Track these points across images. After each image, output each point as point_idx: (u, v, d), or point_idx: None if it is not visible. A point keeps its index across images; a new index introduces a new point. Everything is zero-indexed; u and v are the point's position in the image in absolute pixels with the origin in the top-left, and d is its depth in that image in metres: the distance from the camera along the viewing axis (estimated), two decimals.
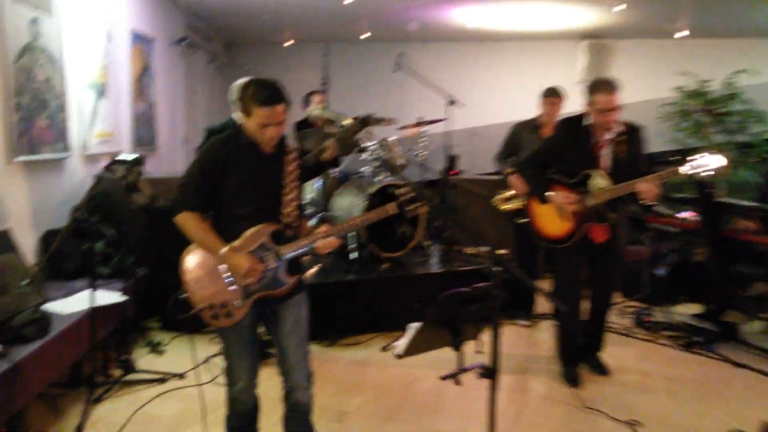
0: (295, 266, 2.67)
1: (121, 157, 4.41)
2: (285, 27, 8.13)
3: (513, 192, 5.10)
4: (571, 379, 4.07)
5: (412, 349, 2.44)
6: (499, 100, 8.91)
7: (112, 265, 4.41)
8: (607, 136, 3.76)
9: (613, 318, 5.35)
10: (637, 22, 7.69)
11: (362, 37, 8.10)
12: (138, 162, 4.91)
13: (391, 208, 2.69)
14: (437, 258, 5.27)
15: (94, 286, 3.47)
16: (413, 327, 2.38)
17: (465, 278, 5.32)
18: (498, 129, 8.71)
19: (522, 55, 8.87)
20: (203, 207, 2.58)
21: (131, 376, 3.78)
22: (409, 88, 7.63)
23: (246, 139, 2.59)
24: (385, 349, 4.55)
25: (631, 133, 3.78)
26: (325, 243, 2.60)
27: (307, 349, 2.75)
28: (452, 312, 2.01)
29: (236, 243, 2.56)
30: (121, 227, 4.56)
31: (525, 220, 4.27)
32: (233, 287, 2.55)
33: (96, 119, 5.27)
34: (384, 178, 5.49)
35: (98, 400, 3.52)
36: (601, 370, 4.22)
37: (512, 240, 5.44)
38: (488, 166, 7.37)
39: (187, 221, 2.53)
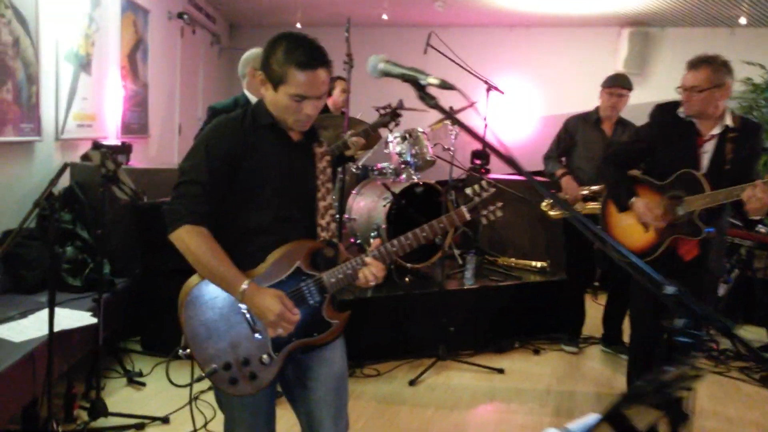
0: (341, 299, 1.96)
1: (100, 143, 3.60)
2: (296, 7, 7.36)
3: (564, 195, 4.31)
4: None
5: None
6: (531, 93, 8.08)
7: (85, 276, 3.63)
8: (715, 130, 2.98)
9: None
10: (687, 8, 6.91)
11: (383, 17, 7.34)
12: (121, 150, 4.13)
13: (461, 214, 1.92)
14: (470, 271, 4.50)
15: (52, 305, 2.68)
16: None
17: (505, 295, 4.54)
18: (530, 124, 8.08)
19: (556, 44, 8.04)
20: (213, 218, 1.80)
21: (100, 422, 2.99)
22: (439, 74, 6.82)
23: (266, 119, 1.84)
24: (413, 383, 3.77)
25: (745, 131, 3.00)
26: (376, 267, 1.85)
27: (346, 419, 1.99)
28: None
29: (259, 270, 1.80)
30: (97, 228, 3.77)
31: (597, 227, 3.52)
32: (258, 336, 1.79)
33: (75, 97, 4.48)
34: (411, 176, 4.72)
35: None
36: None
37: (563, 250, 4.66)
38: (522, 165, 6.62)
39: (191, 240, 1.73)
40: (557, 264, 5.09)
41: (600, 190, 4.17)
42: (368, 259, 1.84)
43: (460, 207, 1.93)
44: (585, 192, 4.23)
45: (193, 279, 1.81)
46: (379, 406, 3.46)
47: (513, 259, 5.15)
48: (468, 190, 1.94)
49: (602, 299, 5.04)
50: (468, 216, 1.91)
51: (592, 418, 1.18)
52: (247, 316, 1.77)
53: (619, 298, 4.42)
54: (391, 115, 4.03)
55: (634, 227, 3.23)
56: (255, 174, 1.81)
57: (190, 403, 1.94)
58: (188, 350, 1.79)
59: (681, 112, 3.07)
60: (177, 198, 1.77)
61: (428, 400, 3.58)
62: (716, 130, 2.99)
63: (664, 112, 3.18)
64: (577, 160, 4.39)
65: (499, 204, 1.95)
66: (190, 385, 1.82)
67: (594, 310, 4.77)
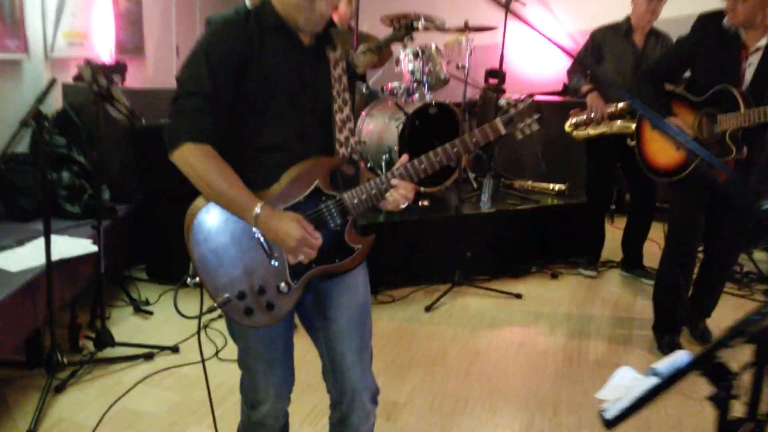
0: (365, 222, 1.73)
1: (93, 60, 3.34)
2: None
3: (590, 114, 4.03)
4: (670, 347, 3.24)
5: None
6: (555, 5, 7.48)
7: (83, 202, 3.45)
8: (762, 42, 2.72)
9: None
10: None
11: None
12: (115, 69, 3.86)
13: (496, 128, 1.70)
14: (487, 194, 4.30)
15: (48, 232, 2.51)
16: (628, 376, 1.36)
17: (522, 219, 4.37)
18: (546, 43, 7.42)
19: None
20: (218, 134, 1.58)
21: (107, 352, 2.88)
22: None
23: (273, 19, 1.60)
24: (429, 309, 3.65)
25: None
26: (405, 187, 1.65)
27: (370, 351, 1.84)
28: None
29: (274, 191, 1.60)
30: (95, 151, 3.56)
31: (632, 143, 3.33)
32: (275, 263, 1.61)
33: (64, 13, 4.16)
34: (424, 96, 4.45)
35: (61, 388, 2.63)
36: (704, 337, 3.39)
37: (585, 172, 4.43)
38: (536, 87, 6.29)
39: (194, 160, 1.52)
40: (575, 187, 4.89)
41: (628, 107, 3.92)
42: (395, 180, 1.64)
43: (494, 120, 1.70)
44: (612, 109, 3.96)
45: (200, 201, 1.60)
46: (395, 332, 3.35)
47: (530, 182, 4.94)
48: (502, 101, 1.71)
49: (619, 223, 4.85)
50: (503, 130, 1.69)
51: (680, 357, 1.01)
52: (262, 241, 1.59)
53: (641, 220, 4.25)
54: (406, 28, 3.71)
55: (666, 146, 3.06)
56: (264, 82, 1.58)
57: (198, 334, 1.79)
58: (197, 278, 1.61)
59: (726, 22, 2.81)
60: (176, 113, 1.54)
61: (445, 326, 3.46)
62: (763, 41, 2.72)
63: (707, 22, 2.91)
64: (607, 74, 4.08)
65: (536, 116, 1.73)
66: (199, 317, 1.66)
67: (611, 234, 4.59)
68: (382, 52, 3.64)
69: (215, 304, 1.60)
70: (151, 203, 3.73)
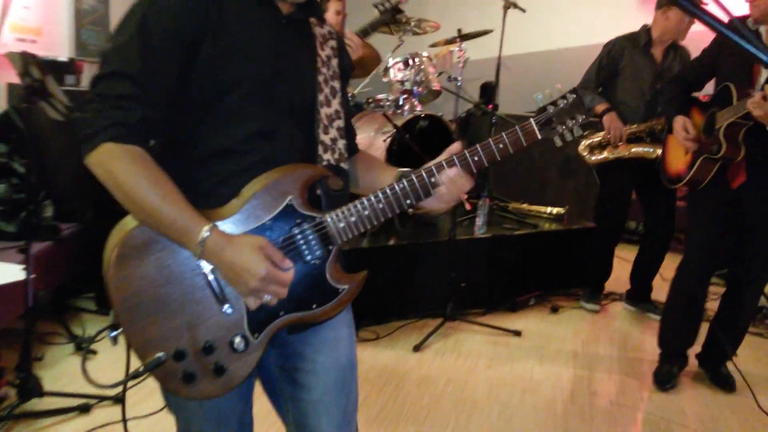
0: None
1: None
2: None
3: (606, 136, 3.65)
4: (663, 380, 2.98)
5: None
6: (545, 22, 7.15)
7: (20, 220, 2.97)
8: None
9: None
10: None
11: None
12: (66, 67, 3.40)
13: (530, 131, 1.28)
14: (482, 217, 3.89)
15: None
16: None
17: (520, 245, 3.96)
18: (540, 57, 7.12)
19: None
20: (151, 133, 1.17)
21: (32, 404, 2.38)
22: None
23: None
24: (418, 348, 3.21)
25: None
26: (460, 182, 1.27)
27: (355, 428, 1.40)
28: None
29: (230, 209, 1.18)
30: (39, 162, 3.10)
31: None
32: (228, 310, 1.17)
33: (13, 3, 3.70)
34: (414, 108, 4.06)
35: None
36: (726, 383, 3.02)
37: (597, 195, 4.08)
38: (527, 104, 5.93)
39: (115, 165, 1.09)
40: (575, 211, 4.53)
41: (648, 128, 3.59)
42: (452, 171, 1.26)
43: (528, 121, 1.28)
44: (633, 129, 3.60)
45: (128, 221, 1.16)
46: (379, 377, 2.89)
47: (526, 205, 4.56)
48: (539, 96, 1.30)
49: (622, 252, 4.45)
50: (539, 134, 1.28)
51: None
52: (210, 279, 1.15)
53: (655, 252, 3.87)
54: (392, 11, 3.34)
55: (679, 150, 2.90)
56: (223, 64, 1.15)
57: (122, 408, 1.34)
58: (120, 330, 1.17)
59: (750, 23, 2.58)
60: (95, 100, 1.11)
61: (437, 370, 3.02)
62: None
63: (732, 24, 2.60)
64: (621, 93, 3.69)
65: (581, 117, 1.32)
66: (123, 383, 1.21)
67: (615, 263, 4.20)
68: (367, 35, 3.26)
69: (141, 368, 1.15)
70: (102, 222, 3.25)
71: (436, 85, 4.32)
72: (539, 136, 1.27)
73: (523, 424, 2.60)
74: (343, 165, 1.30)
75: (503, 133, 1.26)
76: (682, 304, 2.93)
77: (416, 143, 3.76)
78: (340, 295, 1.25)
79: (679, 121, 2.79)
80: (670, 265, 3.92)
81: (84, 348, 2.87)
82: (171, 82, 1.13)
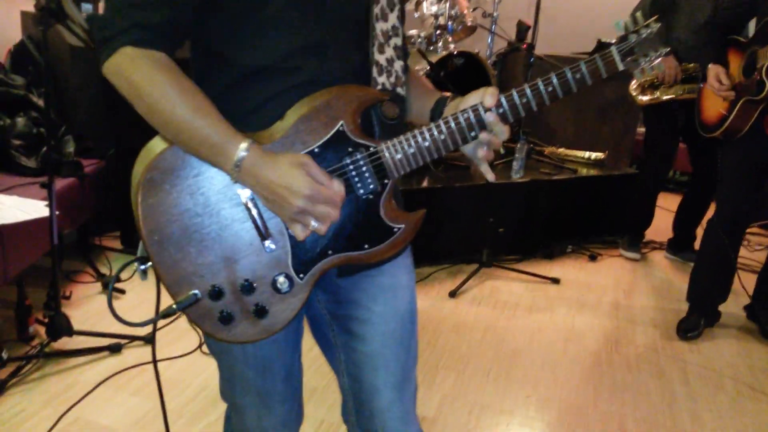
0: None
1: None
2: None
3: (660, 75, 3.41)
4: (687, 329, 2.86)
5: None
6: None
7: (41, 155, 2.84)
8: None
9: (743, 252, 3.93)
10: None
11: None
12: None
13: (611, 61, 1.09)
14: (520, 161, 3.70)
15: None
16: None
17: (558, 191, 3.79)
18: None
19: None
20: (179, 40, 1.01)
21: (62, 343, 2.31)
22: None
23: None
24: (454, 294, 3.09)
25: None
26: (503, 130, 1.07)
27: (414, 385, 1.27)
28: None
29: (273, 132, 1.02)
30: (45, 87, 2.95)
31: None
32: (272, 245, 1.03)
33: None
34: (447, 44, 3.83)
35: (1, 388, 2.07)
36: None
37: (643, 140, 3.88)
38: (568, 46, 5.64)
39: (139, 71, 0.94)
40: (613, 157, 4.32)
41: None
42: (491, 116, 1.06)
43: (608, 49, 1.09)
44: (689, 69, 3.35)
45: (157, 142, 1.02)
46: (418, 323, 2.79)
47: (562, 149, 4.35)
48: (619, 23, 1.11)
49: (663, 201, 4.26)
50: (620, 65, 1.09)
51: None
52: (252, 209, 1.01)
53: (700, 199, 3.68)
54: None
55: (715, 97, 2.67)
56: None
57: (152, 344, 1.23)
58: (149, 263, 1.03)
59: None
60: (112, 3, 0.95)
61: (475, 317, 2.91)
62: None
63: None
64: (677, 29, 3.42)
65: (664, 50, 1.13)
66: (154, 322, 1.09)
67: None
68: None
69: (174, 306, 1.02)
70: (126, 158, 3.12)
71: (470, 21, 4.07)
72: (620, 67, 1.08)
73: (568, 373, 2.49)
74: (400, 90, 1.14)
75: (580, 63, 1.07)
76: (714, 259, 2.77)
77: (451, 83, 3.56)
78: (395, 236, 1.10)
79: (713, 72, 2.59)
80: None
81: (109, 283, 2.78)
82: None
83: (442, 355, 2.56)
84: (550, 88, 1.07)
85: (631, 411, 2.28)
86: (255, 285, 1.03)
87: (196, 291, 1.01)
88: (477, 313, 2.95)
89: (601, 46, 5.35)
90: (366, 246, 1.08)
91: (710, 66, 2.61)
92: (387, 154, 1.05)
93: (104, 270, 2.97)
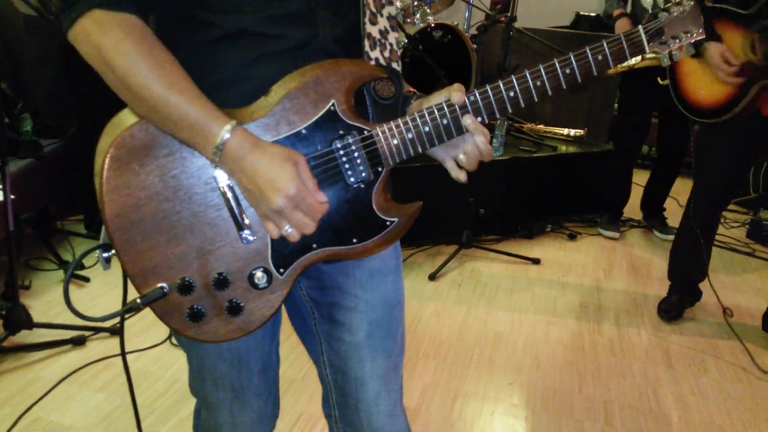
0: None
1: None
2: None
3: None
4: (668, 309, 2.83)
5: None
6: None
7: None
8: None
9: (719, 229, 3.94)
10: None
11: None
12: None
13: (638, 41, 0.98)
14: (500, 139, 3.62)
15: None
16: None
17: (538, 169, 3.72)
18: None
19: None
20: (148, 4, 0.88)
21: (21, 337, 2.17)
22: None
23: None
24: (433, 277, 3.02)
25: None
26: (482, 132, 0.98)
27: (401, 376, 1.19)
28: None
29: (256, 109, 0.91)
30: (13, 67, 2.76)
31: (665, 81, 2.68)
32: (249, 235, 0.93)
33: None
34: (425, 16, 3.70)
35: None
36: None
37: (618, 114, 3.83)
38: (544, 20, 5.54)
39: (109, 38, 0.82)
40: (592, 134, 4.26)
41: None
42: (468, 120, 0.96)
43: (636, 28, 0.99)
44: None
45: (126, 115, 0.90)
46: None
47: (542, 126, 4.27)
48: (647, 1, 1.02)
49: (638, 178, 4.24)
50: (647, 47, 0.99)
51: None
52: (229, 196, 0.90)
53: (667, 174, 3.73)
54: None
55: (706, 76, 2.45)
56: None
57: (121, 338, 1.13)
58: (113, 251, 0.92)
59: None
60: None
61: (455, 300, 2.84)
62: None
63: None
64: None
65: (695, 32, 1.03)
66: (121, 316, 0.98)
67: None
68: None
69: (138, 300, 0.91)
70: (89, 136, 2.94)
71: None
72: (647, 50, 0.99)
73: (550, 358, 2.44)
74: (396, 65, 1.03)
75: (603, 42, 0.97)
76: (696, 239, 2.66)
77: (432, 57, 3.44)
78: (388, 230, 1.00)
79: (716, 53, 2.31)
80: (685, 190, 3.73)
81: (66, 271, 2.63)
82: None
83: (423, 341, 2.49)
84: (567, 70, 0.98)
85: (615, 396, 2.24)
86: (229, 279, 0.93)
87: (164, 284, 0.91)
88: (457, 296, 2.88)
89: (579, 20, 5.28)
90: (354, 240, 0.99)
91: (708, 45, 2.34)
92: (382, 139, 0.95)
93: (66, 256, 2.82)
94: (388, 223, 1.00)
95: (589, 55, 0.97)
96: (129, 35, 0.82)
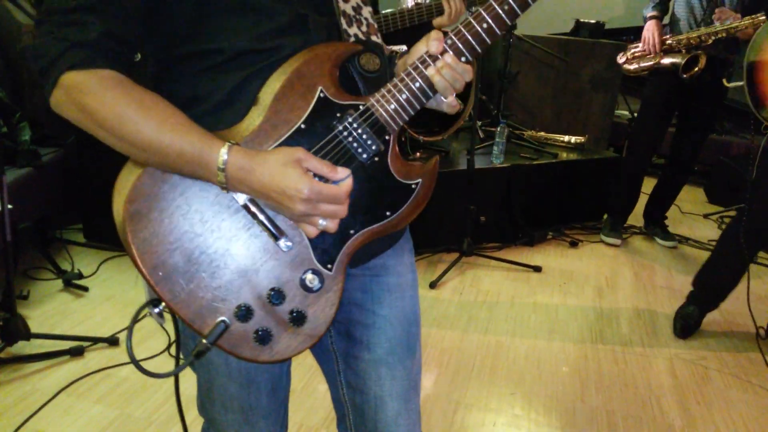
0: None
1: None
2: None
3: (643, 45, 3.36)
4: (685, 325, 2.72)
5: None
6: None
7: None
8: None
9: (708, 232, 3.94)
10: None
11: None
12: None
13: None
14: (501, 146, 3.60)
15: None
16: None
17: (540, 176, 3.71)
18: None
19: None
20: (123, 47, 0.86)
21: (18, 348, 2.15)
22: None
23: None
24: (434, 285, 3.00)
25: None
26: (464, 68, 0.95)
27: (419, 394, 1.17)
28: None
29: (249, 123, 0.89)
30: (12, 77, 2.75)
31: (734, 83, 2.61)
32: (288, 243, 0.91)
33: None
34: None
35: None
36: None
37: (606, 124, 3.82)
38: (545, 27, 5.54)
39: (90, 96, 0.81)
40: (592, 140, 4.26)
41: (687, 40, 3.22)
42: (449, 57, 0.94)
43: None
44: (670, 41, 3.27)
45: (130, 168, 0.88)
46: None
47: (542, 133, 4.26)
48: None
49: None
50: None
51: None
52: (254, 211, 0.89)
53: (674, 182, 3.70)
54: None
55: None
56: None
57: (176, 383, 1.09)
58: (162, 305, 0.89)
59: None
60: (44, 21, 0.81)
61: (456, 308, 2.82)
62: None
63: None
64: (676, 8, 3.36)
65: None
66: (175, 374, 0.97)
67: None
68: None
69: (204, 340, 0.88)
70: (87, 145, 2.94)
71: None
72: None
73: (553, 367, 2.42)
74: (375, 38, 1.02)
75: None
76: (733, 265, 2.56)
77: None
78: (416, 191, 0.98)
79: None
80: (687, 198, 3.73)
81: (72, 284, 2.62)
82: None
83: (424, 349, 2.47)
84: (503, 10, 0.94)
85: (618, 405, 2.22)
86: (284, 291, 0.91)
87: (223, 318, 0.89)
88: (459, 304, 2.86)
89: (579, 26, 5.28)
90: (388, 213, 0.97)
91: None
92: (379, 108, 0.94)
93: (65, 266, 2.80)
94: (413, 186, 0.98)
95: None
96: (108, 88, 0.81)
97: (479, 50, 0.95)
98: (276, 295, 0.91)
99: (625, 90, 5.03)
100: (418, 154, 3.61)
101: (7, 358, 2.11)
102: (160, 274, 0.86)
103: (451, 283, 3.07)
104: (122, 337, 2.31)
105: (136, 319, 0.91)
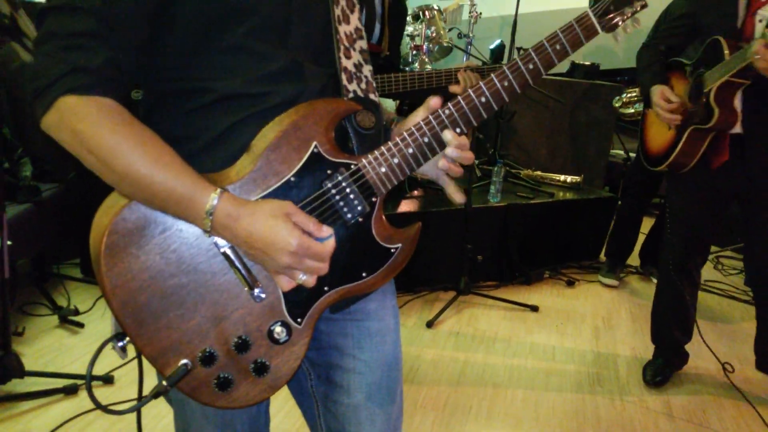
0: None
1: None
2: None
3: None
4: (654, 374, 2.66)
5: None
6: None
7: None
8: None
9: (710, 274, 3.95)
10: None
11: None
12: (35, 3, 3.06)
13: (586, 23, 0.98)
14: (497, 185, 3.64)
15: None
16: None
17: (536, 215, 3.74)
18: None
19: None
20: (123, 78, 0.86)
21: (12, 386, 2.13)
22: None
23: None
24: (431, 325, 2.99)
25: None
26: (461, 143, 1.00)
27: (400, 427, 1.16)
28: None
29: (240, 169, 0.91)
30: (15, 114, 2.79)
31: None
32: (261, 293, 0.92)
33: None
34: (424, 66, 3.78)
35: None
36: None
37: (601, 164, 3.86)
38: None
39: (86, 122, 0.81)
40: (587, 180, 4.30)
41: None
42: (448, 133, 0.98)
43: (584, 12, 1.00)
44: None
45: (115, 198, 0.89)
46: None
47: (539, 172, 4.31)
48: None
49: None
50: (598, 26, 1.00)
51: None
52: (232, 258, 0.90)
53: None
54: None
55: (660, 126, 2.51)
56: None
57: (138, 418, 1.09)
58: (126, 339, 0.91)
59: None
60: (44, 41, 0.82)
61: (453, 349, 2.81)
62: None
63: None
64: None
65: (638, 4, 1.03)
66: (137, 409, 0.98)
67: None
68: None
69: (164, 383, 0.89)
70: (86, 182, 2.96)
71: (446, 42, 4.03)
72: (599, 30, 1.00)
73: (550, 410, 2.40)
74: (373, 96, 1.05)
75: (557, 31, 0.98)
76: (670, 300, 2.59)
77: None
78: (394, 256, 1.00)
79: (657, 91, 2.39)
80: None
81: (68, 320, 2.60)
82: (144, 16, 0.85)
83: (420, 390, 2.45)
84: (531, 66, 0.98)
85: None
86: (250, 341, 0.92)
87: (186, 360, 0.89)
88: (455, 344, 2.85)
89: (574, 68, 5.37)
90: (364, 274, 0.99)
91: (654, 87, 2.42)
92: (370, 170, 0.96)
93: (62, 301, 2.79)
94: (392, 250, 1.00)
95: (548, 47, 0.98)
96: (105, 118, 0.81)
97: (475, 123, 0.98)
98: (242, 344, 0.92)
99: (619, 130, 5.10)
100: (415, 192, 3.65)
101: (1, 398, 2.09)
102: (129, 309, 0.87)
103: (447, 323, 3.06)
104: (117, 374, 2.29)
105: (99, 351, 0.92)
